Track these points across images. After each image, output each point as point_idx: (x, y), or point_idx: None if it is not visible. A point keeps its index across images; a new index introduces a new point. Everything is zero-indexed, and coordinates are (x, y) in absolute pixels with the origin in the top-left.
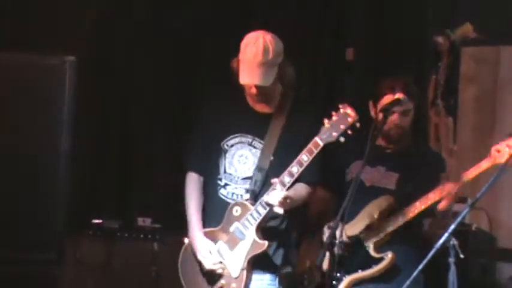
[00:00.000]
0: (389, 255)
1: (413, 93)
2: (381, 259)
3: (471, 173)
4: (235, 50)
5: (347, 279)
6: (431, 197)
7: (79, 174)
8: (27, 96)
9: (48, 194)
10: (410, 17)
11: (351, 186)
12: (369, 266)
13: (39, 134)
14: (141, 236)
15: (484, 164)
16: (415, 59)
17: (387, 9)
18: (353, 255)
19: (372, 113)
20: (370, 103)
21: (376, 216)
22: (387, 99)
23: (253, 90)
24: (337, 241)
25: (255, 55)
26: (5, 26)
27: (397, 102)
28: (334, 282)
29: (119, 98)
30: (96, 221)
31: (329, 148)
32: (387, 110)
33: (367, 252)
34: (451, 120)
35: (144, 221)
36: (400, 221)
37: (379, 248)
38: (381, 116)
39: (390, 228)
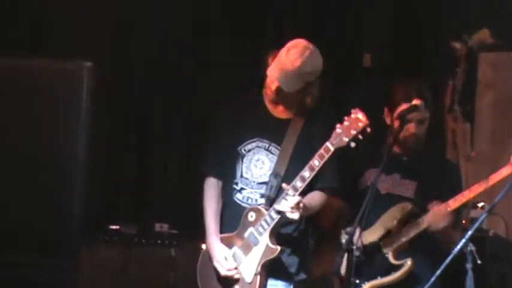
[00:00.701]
0: (408, 262)
1: (429, 102)
2: (400, 266)
3: (492, 180)
4: (247, 53)
5: (366, 286)
6: (459, 200)
7: (97, 179)
8: (45, 101)
9: (64, 198)
10: (427, 22)
11: (368, 193)
12: (389, 273)
13: (56, 138)
14: (159, 241)
15: (504, 171)
16: (432, 65)
17: (404, 14)
18: (372, 261)
19: (387, 120)
20: (386, 110)
21: (395, 222)
22: (406, 105)
23: (273, 87)
24: (354, 247)
25: (293, 61)
26: (24, 31)
27: (414, 108)
28: None
29: (136, 102)
30: (114, 226)
31: (342, 155)
32: (404, 117)
33: (387, 259)
34: (468, 126)
35: (161, 227)
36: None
37: (398, 254)
38: (397, 123)
39: (411, 234)
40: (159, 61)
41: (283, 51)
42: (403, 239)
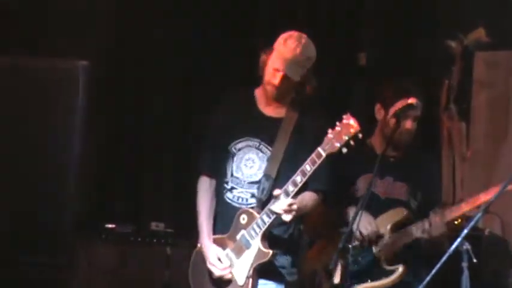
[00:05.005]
0: (400, 269)
1: (422, 100)
2: (392, 271)
3: (492, 191)
4: (242, 52)
5: None
6: (464, 207)
7: (92, 178)
8: (40, 99)
9: (59, 197)
10: (423, 20)
11: (363, 197)
12: (379, 277)
13: (51, 137)
14: (154, 240)
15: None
16: (427, 63)
17: (399, 13)
18: (363, 264)
19: (379, 116)
20: (378, 106)
21: (388, 227)
22: (402, 103)
23: (277, 80)
24: (350, 246)
25: (294, 49)
26: (20, 30)
27: (410, 106)
28: None
29: (131, 102)
30: (110, 225)
31: (333, 160)
32: (399, 115)
33: (378, 263)
34: (464, 125)
35: (157, 226)
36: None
37: (390, 260)
38: (393, 121)
39: (403, 241)
40: (156, 60)
41: (279, 44)
42: (396, 245)
